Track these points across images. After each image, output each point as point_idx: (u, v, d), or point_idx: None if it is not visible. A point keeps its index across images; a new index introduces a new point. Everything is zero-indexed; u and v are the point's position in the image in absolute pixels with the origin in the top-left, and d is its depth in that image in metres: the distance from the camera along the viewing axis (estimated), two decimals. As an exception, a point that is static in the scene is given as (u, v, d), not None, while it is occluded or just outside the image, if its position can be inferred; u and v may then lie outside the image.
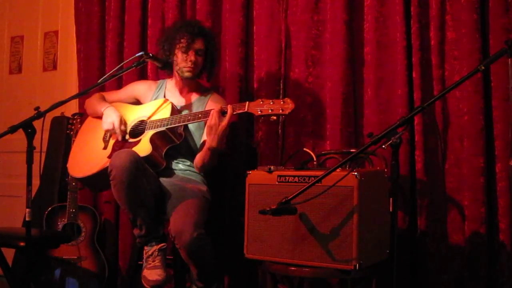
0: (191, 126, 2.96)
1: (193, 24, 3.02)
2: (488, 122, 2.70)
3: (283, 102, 2.57)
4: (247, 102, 2.62)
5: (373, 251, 2.38)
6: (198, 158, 2.86)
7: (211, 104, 2.98)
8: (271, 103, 2.57)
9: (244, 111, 2.61)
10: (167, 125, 2.80)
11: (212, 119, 2.65)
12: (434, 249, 2.77)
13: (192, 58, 2.95)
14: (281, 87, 3.19)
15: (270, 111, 2.56)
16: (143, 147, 2.78)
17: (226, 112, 2.65)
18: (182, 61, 2.96)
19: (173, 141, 2.87)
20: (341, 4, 3.01)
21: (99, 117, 3.06)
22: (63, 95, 3.80)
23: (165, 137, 2.85)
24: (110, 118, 2.95)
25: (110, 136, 2.99)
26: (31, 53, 4.50)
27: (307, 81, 3.14)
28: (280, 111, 2.56)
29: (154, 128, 2.82)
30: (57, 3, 4.36)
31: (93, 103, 3.15)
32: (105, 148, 2.96)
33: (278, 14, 3.23)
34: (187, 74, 2.97)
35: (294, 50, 3.19)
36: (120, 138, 2.92)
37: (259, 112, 2.58)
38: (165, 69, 3.03)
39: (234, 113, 2.65)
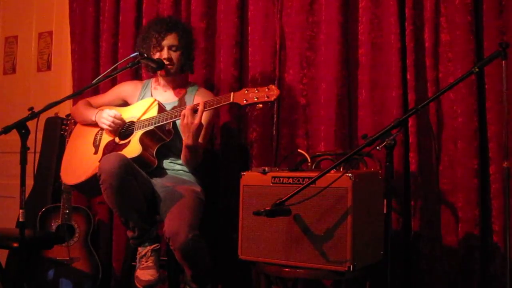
0: (179, 125, 2.94)
1: (161, 21, 3.02)
2: (482, 124, 2.71)
3: (268, 89, 2.51)
4: (232, 93, 2.57)
5: (367, 253, 2.38)
6: (182, 155, 2.85)
7: (198, 99, 2.97)
8: (256, 91, 2.52)
9: (229, 102, 2.57)
10: (155, 124, 2.78)
11: (185, 118, 2.64)
12: (428, 250, 2.78)
13: (165, 55, 2.94)
14: (276, 88, 3.18)
15: (255, 99, 2.51)
16: (133, 148, 2.77)
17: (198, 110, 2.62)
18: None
19: (163, 139, 2.86)
20: (336, 6, 3.01)
21: (89, 124, 3.06)
22: (57, 95, 3.78)
23: (154, 136, 2.83)
24: (104, 117, 2.93)
25: (100, 140, 2.97)
26: (25, 54, 4.49)
27: (302, 82, 3.14)
28: (266, 98, 2.50)
29: (142, 127, 2.81)
30: (51, 4, 4.35)
31: (81, 111, 3.14)
32: (95, 153, 2.94)
33: (273, 16, 3.23)
34: (166, 72, 2.97)
35: (288, 51, 3.19)
36: (115, 135, 2.90)
37: (245, 102, 2.52)
38: (160, 70, 3.00)
39: (207, 109, 2.63)
